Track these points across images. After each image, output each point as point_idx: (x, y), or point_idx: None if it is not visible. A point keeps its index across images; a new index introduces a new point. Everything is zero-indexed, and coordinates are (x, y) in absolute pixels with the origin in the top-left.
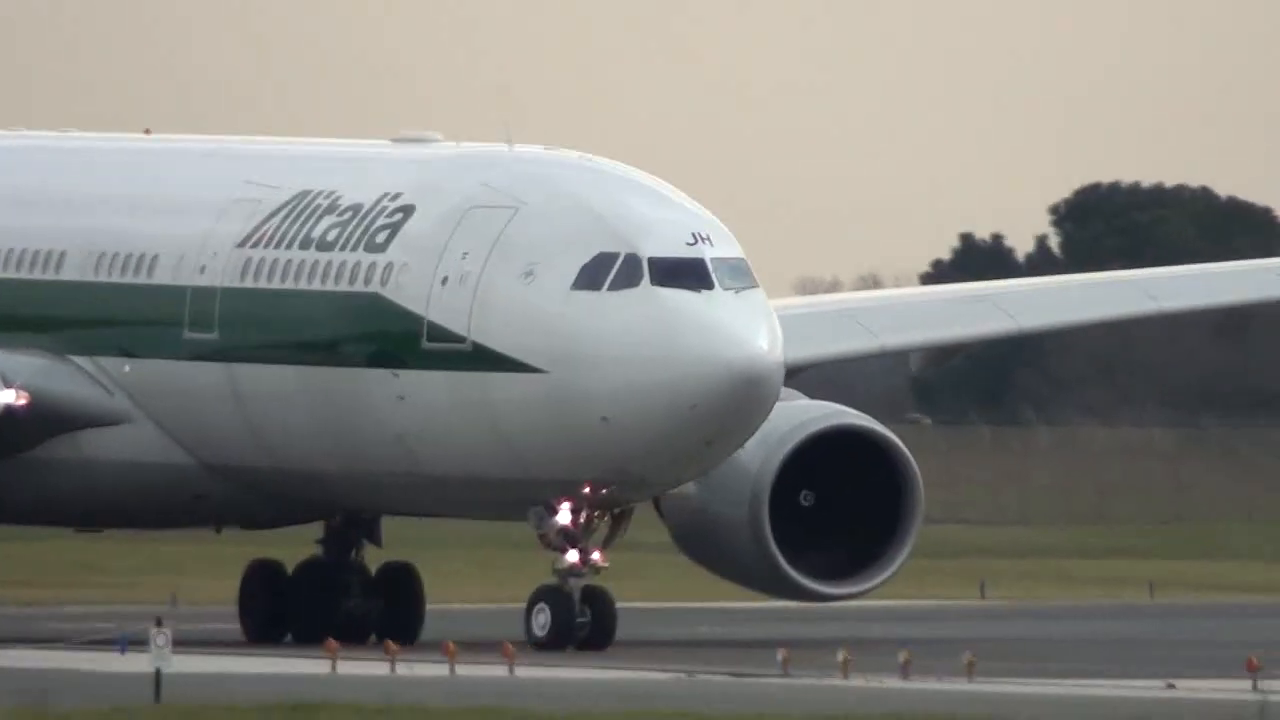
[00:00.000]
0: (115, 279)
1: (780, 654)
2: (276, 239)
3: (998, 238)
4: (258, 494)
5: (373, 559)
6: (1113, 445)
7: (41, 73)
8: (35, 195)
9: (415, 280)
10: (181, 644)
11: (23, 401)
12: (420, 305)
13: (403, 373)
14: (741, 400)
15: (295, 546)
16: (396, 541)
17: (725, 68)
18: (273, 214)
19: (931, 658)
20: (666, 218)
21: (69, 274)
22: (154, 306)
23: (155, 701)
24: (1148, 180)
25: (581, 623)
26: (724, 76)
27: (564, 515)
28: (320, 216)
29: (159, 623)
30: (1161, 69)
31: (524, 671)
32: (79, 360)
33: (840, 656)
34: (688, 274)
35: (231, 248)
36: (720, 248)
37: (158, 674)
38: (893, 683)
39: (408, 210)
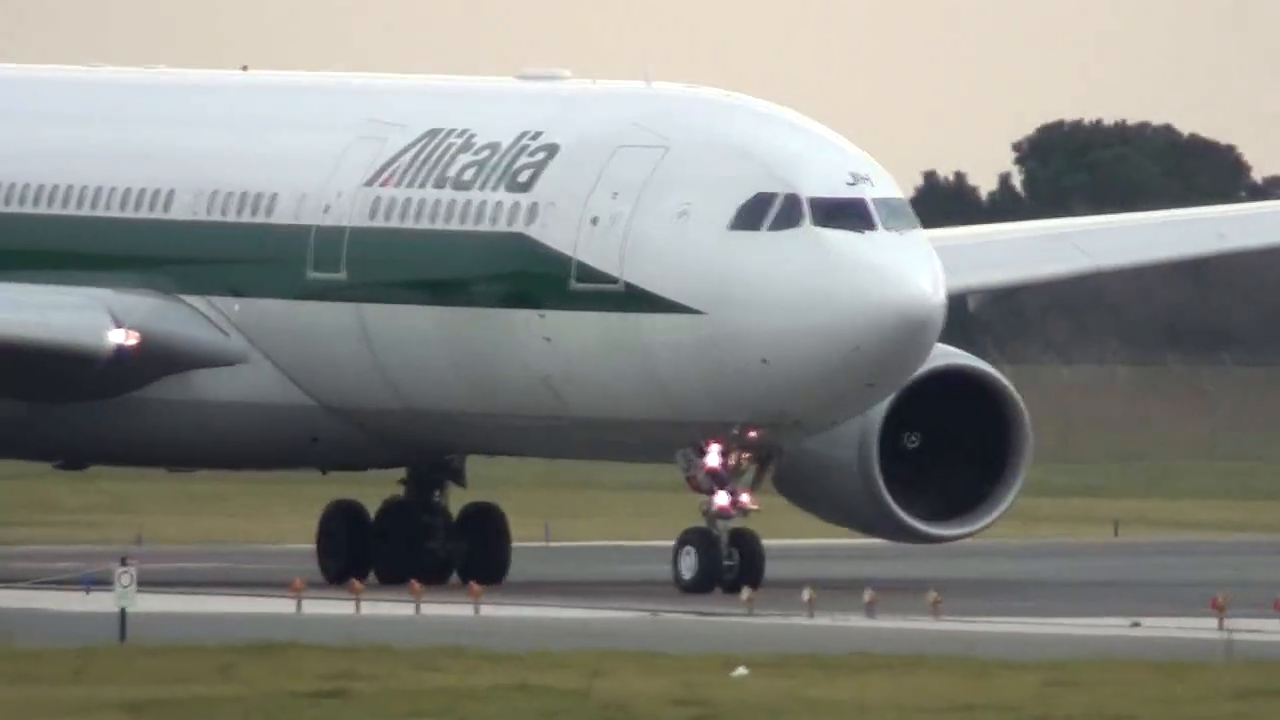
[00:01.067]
0: (231, 219)
1: (745, 594)
2: (408, 178)
3: (960, 176)
4: (379, 436)
5: (456, 499)
6: (1074, 383)
7: (125, 6)
8: (141, 132)
9: (562, 220)
10: (148, 583)
11: (134, 341)
12: (568, 246)
13: (549, 313)
14: (905, 342)
15: (370, 486)
16: (482, 482)
17: None
18: (402, 152)
19: (897, 597)
20: (825, 157)
21: (179, 214)
22: (274, 246)
23: (120, 641)
24: (1110, 118)
25: (729, 565)
26: None
27: (713, 457)
28: (455, 155)
29: (123, 562)
30: (1122, 7)
31: (489, 610)
32: (192, 300)
33: (806, 595)
34: (850, 214)
35: (358, 186)
36: (881, 188)
37: (122, 614)
38: (858, 621)
39: (551, 149)
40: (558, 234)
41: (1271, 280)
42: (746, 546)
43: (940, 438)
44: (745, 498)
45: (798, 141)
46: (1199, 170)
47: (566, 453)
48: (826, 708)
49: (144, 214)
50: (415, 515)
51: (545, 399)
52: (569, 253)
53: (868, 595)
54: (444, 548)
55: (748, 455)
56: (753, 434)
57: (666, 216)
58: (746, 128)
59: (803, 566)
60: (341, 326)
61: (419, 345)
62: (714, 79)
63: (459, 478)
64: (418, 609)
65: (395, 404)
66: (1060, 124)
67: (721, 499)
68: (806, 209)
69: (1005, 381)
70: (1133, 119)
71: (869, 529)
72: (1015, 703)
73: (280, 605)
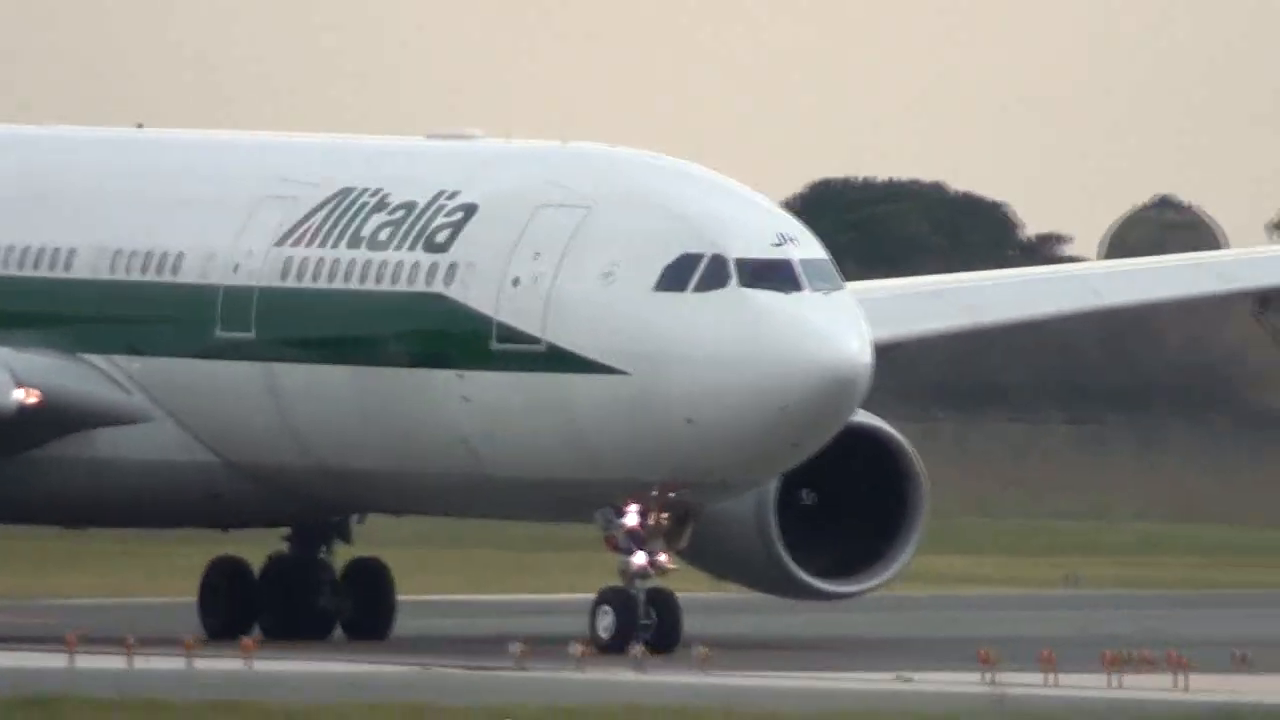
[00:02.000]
0: (134, 277)
1: (516, 647)
2: (319, 238)
3: None
4: (285, 493)
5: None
6: None
7: (23, 65)
8: (45, 190)
9: (483, 280)
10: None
11: (34, 400)
12: (489, 306)
13: (468, 374)
14: (832, 402)
15: (249, 545)
16: (363, 538)
17: None
18: (313, 211)
19: (664, 651)
20: (750, 217)
21: (80, 272)
22: (180, 305)
23: None
24: (880, 175)
25: (646, 625)
26: None
27: (632, 517)
28: (368, 214)
29: None
30: (891, 65)
31: (262, 665)
32: (93, 358)
33: (577, 650)
34: (776, 275)
35: (269, 246)
36: (806, 249)
37: None
38: (628, 675)
39: (469, 209)
40: (478, 294)
41: (1043, 337)
42: (664, 605)
43: (835, 494)
44: (663, 557)
45: (722, 201)
46: (970, 227)
47: (483, 512)
48: None
49: (44, 272)
50: (301, 571)
51: (462, 458)
52: (490, 313)
53: (635, 649)
54: (331, 603)
55: (666, 515)
56: (672, 494)
57: (590, 277)
58: (669, 187)
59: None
60: (250, 385)
61: (331, 404)
62: (595, 135)
63: (345, 534)
64: (71, 661)
65: (304, 462)
66: (829, 181)
67: (639, 559)
68: (733, 269)
69: (902, 439)
70: (903, 176)
71: (763, 585)
72: None
73: (53, 659)
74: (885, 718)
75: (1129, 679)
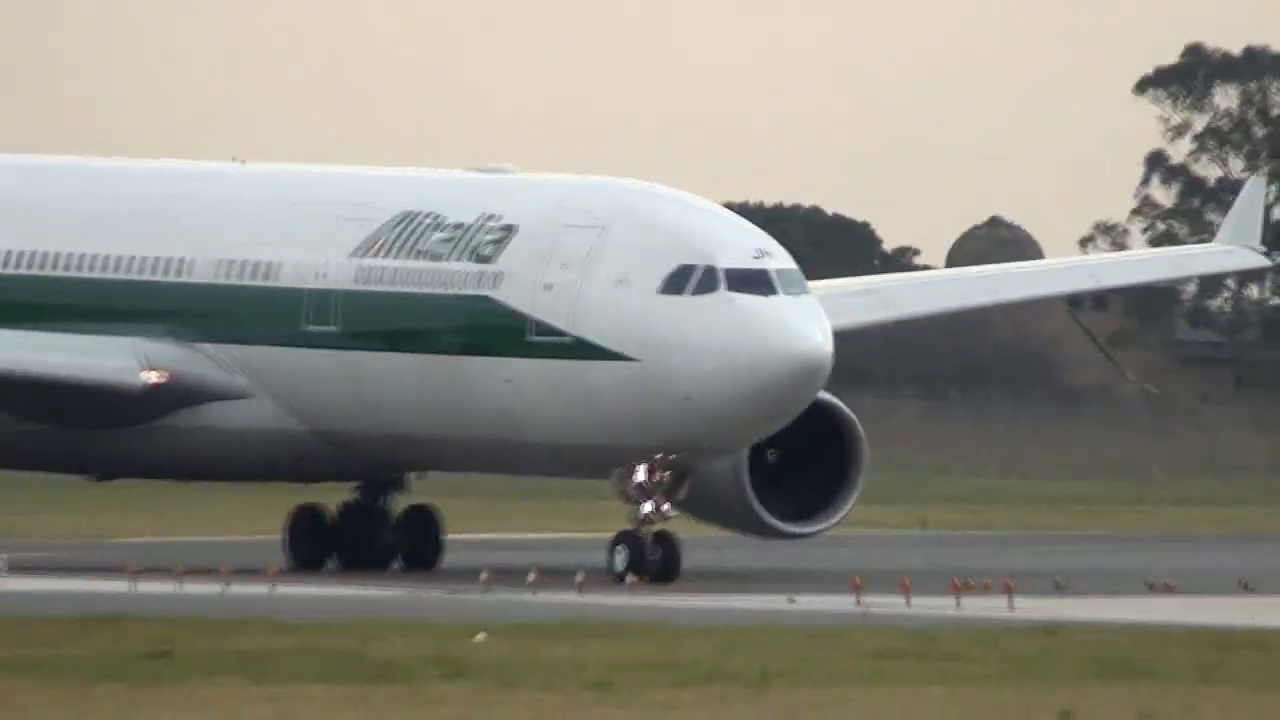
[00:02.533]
0: (239, 282)
1: (532, 574)
2: (388, 250)
3: None
4: (358, 455)
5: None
6: None
7: (128, 102)
8: (167, 211)
9: (521, 286)
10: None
11: (161, 379)
12: (527, 307)
13: (509, 360)
14: (802, 383)
15: (328, 494)
16: (419, 490)
17: None
18: (381, 229)
19: (563, 576)
20: (734, 236)
21: (197, 278)
22: (276, 304)
23: None
24: (769, 200)
25: (652, 560)
26: None
27: (640, 474)
28: (427, 232)
29: None
30: (782, 99)
31: (284, 588)
32: (206, 347)
33: (530, 576)
34: (756, 282)
35: (346, 258)
36: (779, 261)
37: None
38: (572, 597)
39: (510, 229)
40: (517, 297)
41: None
42: (667, 545)
43: (794, 454)
44: (666, 506)
45: (712, 222)
46: (839, 243)
47: (520, 471)
48: (549, 666)
49: (169, 278)
50: (368, 515)
51: (504, 428)
52: (527, 312)
53: (579, 576)
54: (391, 541)
55: (668, 473)
56: (672, 456)
57: (607, 283)
58: (669, 211)
59: (539, 555)
60: (332, 369)
61: (399, 384)
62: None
63: (402, 486)
64: (134, 586)
65: (376, 430)
66: (728, 205)
67: (647, 507)
68: (722, 278)
69: (846, 410)
70: (787, 201)
71: (739, 527)
72: (700, 660)
73: (117, 585)
74: (782, 630)
75: (968, 601)
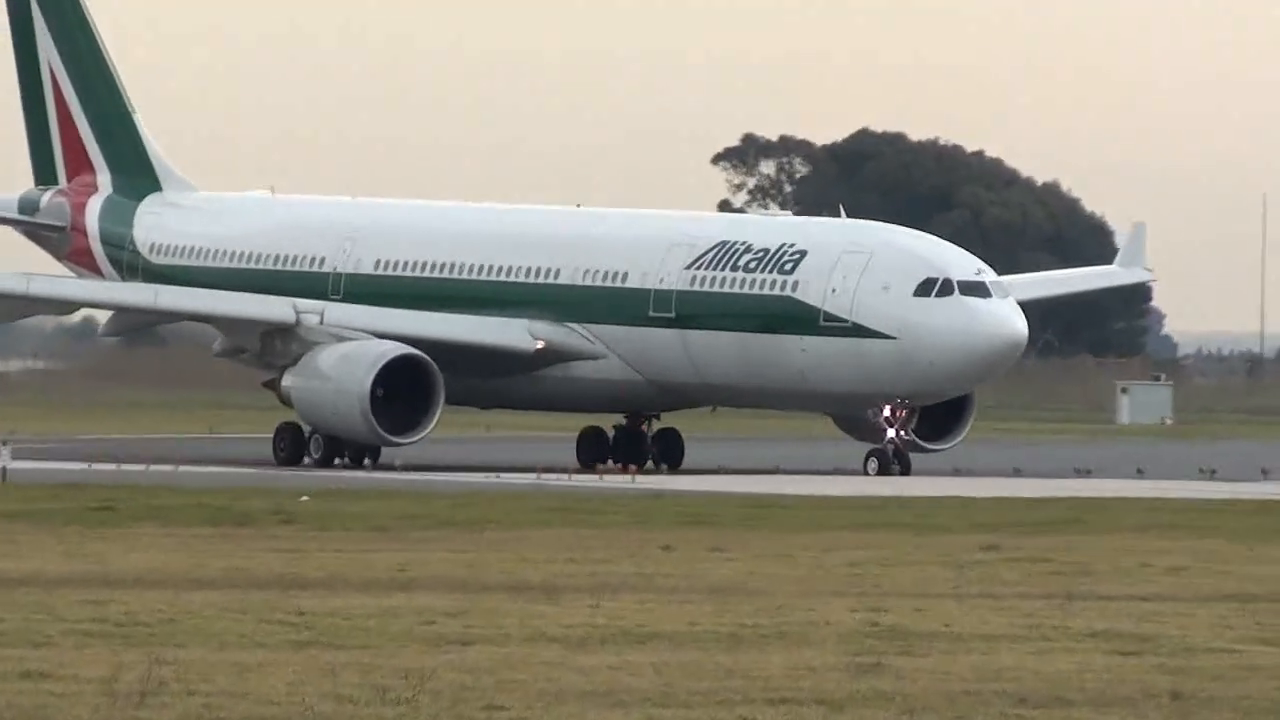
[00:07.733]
0: (598, 284)
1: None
2: (713, 265)
3: None
4: (673, 396)
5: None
6: None
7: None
8: (539, 237)
9: (814, 291)
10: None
11: (542, 345)
12: (819, 303)
13: (805, 338)
14: (1007, 357)
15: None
16: (673, 419)
17: None
18: (705, 252)
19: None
20: (960, 258)
21: (565, 280)
22: (626, 298)
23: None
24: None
25: (895, 467)
26: None
27: (886, 411)
28: (741, 254)
29: (3, 442)
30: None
31: (185, 467)
32: (575, 326)
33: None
34: (977, 289)
35: (680, 269)
36: (989, 274)
37: (3, 471)
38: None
39: (803, 253)
40: (812, 296)
41: None
42: (902, 457)
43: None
44: (904, 432)
45: (944, 249)
46: None
47: (805, 409)
48: (348, 516)
49: (545, 281)
50: (633, 433)
51: (798, 380)
52: (819, 306)
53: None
54: (648, 449)
55: (904, 410)
56: (909, 400)
57: (876, 289)
58: (915, 242)
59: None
60: (669, 340)
61: (719, 351)
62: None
63: (657, 416)
64: (147, 469)
65: (696, 380)
66: None
67: (891, 433)
68: (955, 287)
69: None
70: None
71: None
72: (437, 513)
73: (132, 470)
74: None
75: (609, 478)
